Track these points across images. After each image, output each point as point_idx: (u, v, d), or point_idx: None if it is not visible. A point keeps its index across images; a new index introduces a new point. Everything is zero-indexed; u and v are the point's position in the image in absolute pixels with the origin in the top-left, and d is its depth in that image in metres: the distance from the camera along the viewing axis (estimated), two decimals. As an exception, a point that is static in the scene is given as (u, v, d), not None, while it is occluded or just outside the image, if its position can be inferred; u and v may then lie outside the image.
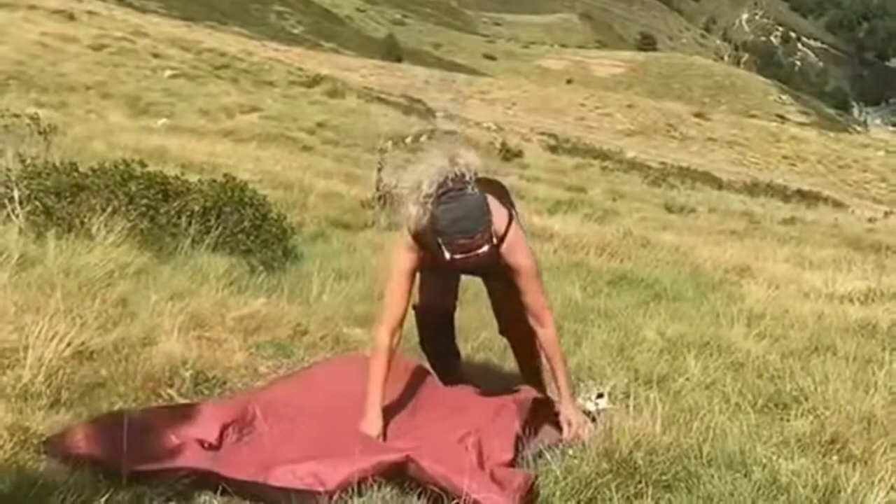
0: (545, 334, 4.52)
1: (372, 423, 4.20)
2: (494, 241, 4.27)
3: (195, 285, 6.21)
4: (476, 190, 4.18)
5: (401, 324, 4.43)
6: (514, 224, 4.45)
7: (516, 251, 4.40)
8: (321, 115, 23.86)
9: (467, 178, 4.16)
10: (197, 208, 7.16)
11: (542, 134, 40.85)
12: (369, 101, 31.36)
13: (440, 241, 4.17)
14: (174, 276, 6.32)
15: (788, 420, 4.96)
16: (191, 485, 3.70)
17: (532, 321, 4.50)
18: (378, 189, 10.76)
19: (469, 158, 4.22)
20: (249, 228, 7.33)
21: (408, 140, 20.99)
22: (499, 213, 4.35)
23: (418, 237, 4.31)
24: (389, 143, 15.44)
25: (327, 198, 11.11)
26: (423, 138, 22.70)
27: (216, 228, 7.12)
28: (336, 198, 11.20)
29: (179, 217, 7.05)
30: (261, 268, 7.05)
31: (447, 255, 4.18)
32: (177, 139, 14.43)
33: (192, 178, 8.04)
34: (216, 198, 7.36)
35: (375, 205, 10.62)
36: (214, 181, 7.70)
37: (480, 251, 4.19)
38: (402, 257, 4.45)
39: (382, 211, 10.47)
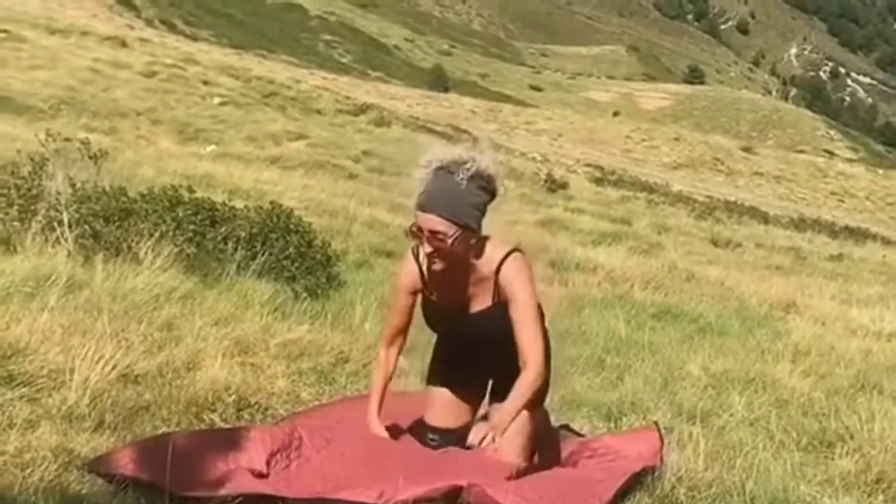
0: (526, 376, 4.05)
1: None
2: (472, 255, 4.12)
3: (240, 311, 6.24)
4: (466, 182, 4.01)
5: (398, 337, 4.43)
6: (518, 256, 4.20)
7: (517, 280, 4.13)
8: (367, 144, 23.97)
9: (467, 166, 4.02)
10: (243, 234, 7.21)
11: (588, 166, 40.80)
12: (415, 130, 31.49)
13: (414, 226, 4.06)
14: (219, 301, 6.36)
15: (833, 459, 4.90)
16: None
17: (520, 360, 4.08)
18: (421, 218, 10.78)
19: (484, 156, 4.10)
20: (294, 255, 7.37)
21: (453, 170, 20.98)
22: (495, 242, 4.21)
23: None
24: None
25: (371, 226, 11.15)
26: (468, 168, 22.71)
27: (262, 254, 7.17)
28: (380, 226, 11.24)
29: (226, 243, 7.11)
30: (305, 294, 7.08)
31: (422, 256, 4.11)
32: (224, 166, 14.54)
33: (239, 204, 8.11)
34: (262, 224, 7.41)
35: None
36: (261, 208, 7.76)
37: (432, 256, 4.04)
38: (401, 270, 4.38)
39: (426, 240, 10.49)
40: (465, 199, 4.03)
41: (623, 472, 4.06)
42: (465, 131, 40.60)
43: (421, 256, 4.17)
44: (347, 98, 38.66)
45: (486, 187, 4.11)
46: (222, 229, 7.19)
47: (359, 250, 9.63)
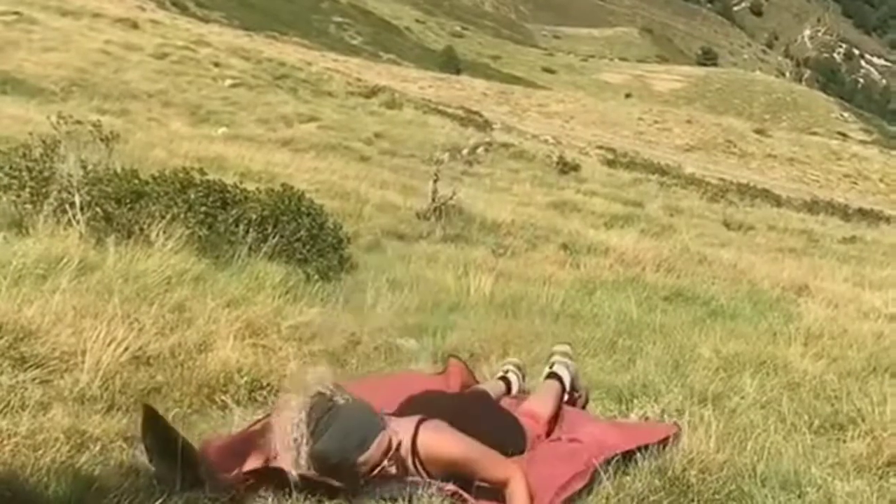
0: (515, 488, 3.77)
1: None
2: (401, 452, 3.81)
3: (251, 293, 6.25)
4: (346, 396, 3.78)
5: None
6: (421, 425, 3.89)
7: (440, 444, 3.84)
8: (378, 126, 23.92)
9: (328, 393, 3.73)
10: (255, 217, 7.22)
11: (600, 148, 40.68)
12: (427, 112, 31.43)
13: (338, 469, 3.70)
14: (231, 283, 6.37)
15: (845, 441, 4.90)
16: (245, 489, 3.72)
17: (505, 491, 3.78)
18: (434, 200, 10.78)
19: (317, 374, 3.87)
20: (306, 237, 7.38)
21: (464, 152, 21.00)
22: (396, 424, 3.89)
23: None
24: (446, 155, 15.45)
25: (383, 208, 11.15)
26: (479, 150, 22.70)
27: (273, 237, 7.18)
28: (392, 208, 11.24)
29: (237, 225, 7.12)
30: (316, 277, 7.09)
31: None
32: (236, 148, 14.53)
33: (251, 186, 8.11)
34: (274, 207, 7.42)
35: (431, 216, 10.63)
36: (272, 190, 7.77)
37: (391, 463, 3.76)
38: None
39: (438, 222, 10.49)
40: (357, 408, 3.82)
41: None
42: (476, 113, 40.54)
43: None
44: (359, 80, 38.59)
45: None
46: (234, 211, 7.21)
47: (370, 233, 9.64)
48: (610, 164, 31.24)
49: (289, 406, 3.73)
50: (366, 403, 3.85)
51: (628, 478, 3.98)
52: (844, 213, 29.63)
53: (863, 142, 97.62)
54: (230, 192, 7.43)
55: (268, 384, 4.87)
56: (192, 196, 7.09)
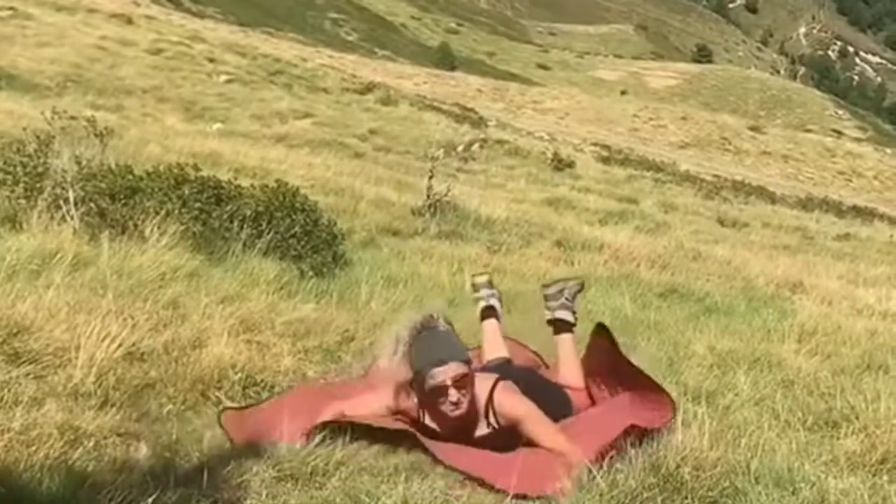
0: (572, 455, 4.18)
1: None
2: (477, 397, 4.41)
3: (245, 289, 6.25)
4: (448, 326, 4.45)
5: None
6: (503, 384, 4.49)
7: (510, 403, 4.44)
8: (373, 122, 23.93)
9: (436, 317, 4.45)
10: (249, 213, 7.22)
11: (595, 145, 40.69)
12: (422, 108, 31.41)
13: (416, 388, 4.40)
14: (225, 279, 6.38)
15: (838, 438, 4.90)
16: (237, 488, 3.72)
17: (562, 461, 4.15)
18: (428, 197, 10.77)
19: (433, 306, 4.64)
20: (300, 234, 7.37)
21: (459, 148, 20.96)
22: (481, 379, 4.48)
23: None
24: (441, 152, 15.43)
25: (378, 205, 11.14)
26: (474, 147, 22.68)
27: (267, 233, 7.18)
28: (386, 205, 11.23)
29: (231, 221, 7.11)
30: (311, 273, 7.09)
31: (445, 408, 4.34)
32: (230, 144, 14.52)
33: (245, 182, 8.11)
34: (268, 203, 7.41)
35: (426, 212, 10.63)
36: (266, 186, 7.76)
37: (458, 403, 4.31)
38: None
39: (433, 219, 10.49)
40: (456, 341, 4.46)
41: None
42: (471, 110, 40.54)
43: (441, 407, 4.36)
44: (354, 76, 38.57)
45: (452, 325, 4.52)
46: (228, 207, 7.20)
47: (365, 229, 9.63)
48: (605, 160, 31.25)
49: (403, 322, 4.49)
50: (460, 340, 4.51)
51: (622, 475, 3.98)
52: (839, 210, 29.70)
53: (857, 139, 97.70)
54: (224, 188, 7.43)
55: (262, 381, 4.88)
56: (187, 192, 7.08)
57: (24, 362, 4.37)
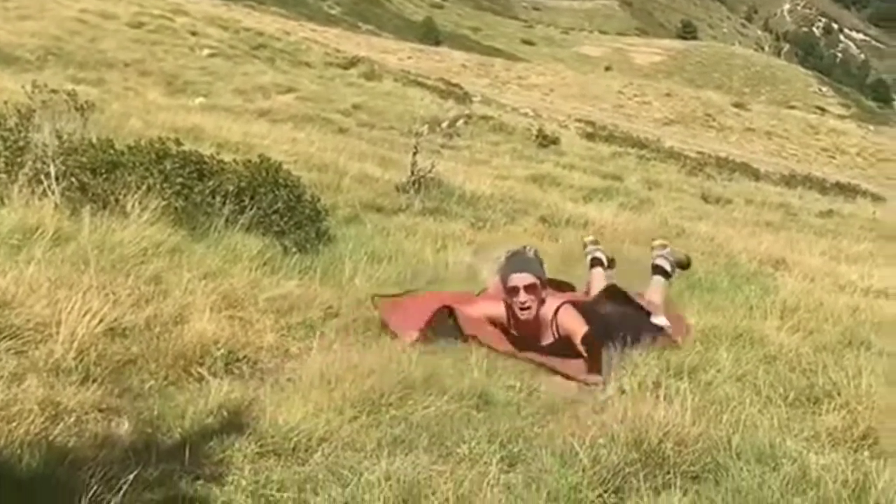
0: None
1: None
2: (544, 302, 6.02)
3: (228, 265, 6.23)
4: (533, 254, 6.26)
5: None
6: (566, 306, 6.06)
7: (568, 320, 5.95)
8: (357, 98, 23.82)
9: (527, 247, 6.43)
10: (231, 188, 7.17)
11: (580, 121, 40.67)
12: (406, 84, 31.32)
13: (503, 286, 6.07)
14: (207, 255, 6.35)
15: (820, 414, 4.93)
16: (219, 463, 3.72)
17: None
18: (413, 173, 10.73)
19: (527, 245, 6.54)
20: (283, 209, 7.34)
21: (444, 124, 20.91)
22: (553, 299, 6.13)
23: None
24: (425, 127, 15.38)
25: (362, 180, 11.10)
26: (459, 123, 22.64)
27: (250, 209, 7.14)
28: (370, 181, 11.19)
29: (214, 196, 7.07)
30: (294, 249, 7.06)
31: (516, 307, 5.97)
32: (213, 118, 14.44)
33: (227, 157, 8.06)
34: (251, 178, 7.37)
35: (410, 189, 10.59)
36: (249, 161, 7.72)
37: (527, 306, 5.94)
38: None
39: (416, 195, 10.45)
40: (536, 264, 6.14)
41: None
42: (456, 85, 40.42)
43: (515, 307, 5.99)
44: (337, 51, 38.42)
45: (541, 260, 6.26)
46: (210, 183, 7.16)
47: (348, 205, 9.60)
48: (589, 137, 31.23)
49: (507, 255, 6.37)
50: (539, 261, 6.21)
51: (604, 450, 3.99)
52: (822, 187, 29.80)
53: (841, 116, 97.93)
54: (207, 163, 7.38)
55: (244, 356, 4.87)
56: (169, 167, 7.03)
57: (4, 337, 4.35)
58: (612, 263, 7.56)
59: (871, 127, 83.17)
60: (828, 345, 6.34)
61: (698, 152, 37.28)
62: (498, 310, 6.07)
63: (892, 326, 7.21)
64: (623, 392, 4.96)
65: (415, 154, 10.88)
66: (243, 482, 3.65)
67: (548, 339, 5.96)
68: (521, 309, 5.94)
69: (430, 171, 10.83)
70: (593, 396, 5.09)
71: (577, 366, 5.62)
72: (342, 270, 6.73)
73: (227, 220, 6.95)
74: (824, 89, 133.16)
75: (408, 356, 4.96)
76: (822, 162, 60.44)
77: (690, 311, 6.94)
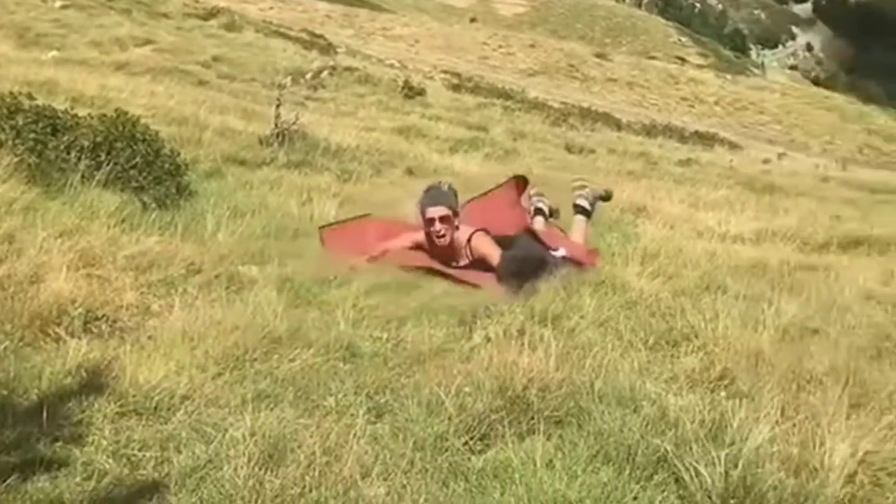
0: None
1: None
2: (458, 229, 6.90)
3: (85, 222, 6.05)
4: (447, 187, 7.05)
5: None
6: (477, 232, 6.93)
7: (480, 245, 6.87)
8: (217, 49, 23.38)
9: (442, 182, 7.23)
10: (87, 143, 6.96)
11: (445, 72, 40.74)
12: (268, 35, 30.87)
13: (422, 218, 6.90)
14: (63, 212, 6.15)
15: (679, 357, 5.05)
16: (79, 424, 3.63)
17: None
18: (276, 126, 10.60)
19: (442, 182, 7.27)
20: (142, 164, 7.15)
21: (308, 76, 20.71)
22: (466, 228, 6.95)
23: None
24: (289, 79, 15.22)
25: (223, 134, 10.89)
26: (323, 74, 22.43)
27: (107, 164, 6.94)
28: (232, 134, 10.99)
29: (69, 152, 6.85)
30: (153, 205, 6.90)
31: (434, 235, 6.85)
32: (67, 72, 13.98)
33: (83, 112, 7.81)
34: (107, 133, 7.16)
35: (273, 142, 10.45)
36: (105, 116, 7.49)
37: (442, 234, 6.82)
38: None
39: (280, 148, 10.33)
40: (451, 197, 6.96)
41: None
42: (320, 36, 39.97)
43: (432, 235, 6.85)
44: (196, 1, 37.50)
45: (456, 192, 7.07)
46: (65, 138, 6.93)
47: (210, 159, 9.41)
48: (455, 88, 31.33)
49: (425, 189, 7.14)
50: (453, 194, 7.04)
51: (470, 398, 4.03)
52: (681, 136, 30.53)
53: (699, 66, 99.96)
54: (61, 117, 7.14)
55: (103, 315, 4.74)
56: (21, 122, 6.80)
57: None
58: (554, 213, 8.13)
59: (729, 76, 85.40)
60: (686, 289, 6.49)
61: (562, 103, 37.76)
62: (419, 237, 7.00)
63: (748, 270, 7.44)
64: (489, 340, 4.99)
65: (278, 106, 10.74)
66: (104, 442, 3.58)
67: (463, 262, 6.90)
68: (437, 237, 6.84)
69: (294, 124, 10.71)
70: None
71: (489, 278, 6.52)
72: (204, 226, 6.61)
73: (83, 177, 6.74)
74: (683, 39, 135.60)
75: (272, 310, 4.91)
76: (681, 111, 61.85)
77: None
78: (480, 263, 6.79)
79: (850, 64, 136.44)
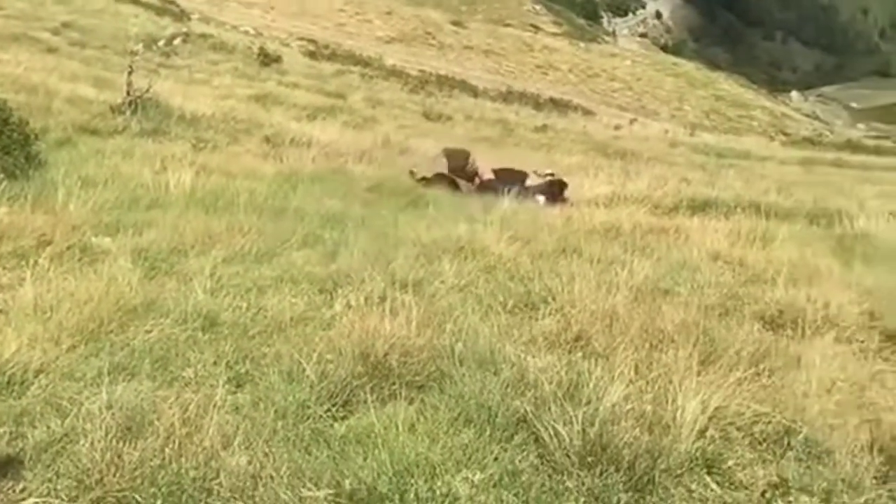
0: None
1: None
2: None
3: (-73, 194, 5.83)
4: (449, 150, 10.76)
5: None
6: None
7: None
8: (67, 15, 22.64)
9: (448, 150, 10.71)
10: (-72, 113, 6.70)
11: (302, 39, 40.30)
12: (119, 1, 29.97)
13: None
14: None
15: (537, 319, 5.15)
16: None
17: None
18: (129, 94, 10.35)
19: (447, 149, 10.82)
20: (-12, 134, 6.92)
21: (161, 43, 20.25)
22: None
23: None
24: (141, 46, 14.86)
25: (74, 102, 10.60)
26: (176, 41, 21.96)
27: (-50, 134, 6.69)
28: (84, 102, 10.70)
29: None
30: (1, 175, 6.68)
31: None
32: None
33: (-78, 80, 7.51)
34: (-51, 101, 6.90)
35: (126, 110, 10.21)
36: (-53, 83, 7.22)
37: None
38: None
39: (134, 116, 10.10)
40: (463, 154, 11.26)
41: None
42: (172, 2, 39.02)
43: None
44: (43, -34, 36.18)
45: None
46: None
47: (60, 128, 9.16)
48: (312, 55, 31.05)
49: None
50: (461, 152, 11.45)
51: (332, 366, 4.04)
52: (536, 102, 30.92)
53: (553, 34, 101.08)
54: None
55: (-50, 289, 4.59)
56: None
57: None
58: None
59: (582, 44, 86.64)
60: (544, 253, 6.62)
61: (419, 70, 37.79)
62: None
63: (602, 233, 7.62)
64: (350, 307, 4.99)
65: (130, 74, 10.50)
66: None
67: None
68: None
69: (147, 92, 10.48)
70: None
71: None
72: (55, 196, 6.43)
73: (-76, 147, 6.50)
74: (538, 7, 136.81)
75: (127, 281, 4.82)
76: (536, 78, 62.54)
77: (414, 227, 7.05)
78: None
79: (697, 32, 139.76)
